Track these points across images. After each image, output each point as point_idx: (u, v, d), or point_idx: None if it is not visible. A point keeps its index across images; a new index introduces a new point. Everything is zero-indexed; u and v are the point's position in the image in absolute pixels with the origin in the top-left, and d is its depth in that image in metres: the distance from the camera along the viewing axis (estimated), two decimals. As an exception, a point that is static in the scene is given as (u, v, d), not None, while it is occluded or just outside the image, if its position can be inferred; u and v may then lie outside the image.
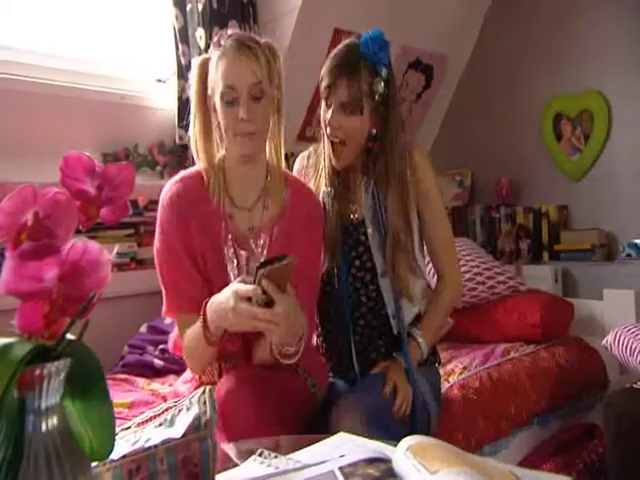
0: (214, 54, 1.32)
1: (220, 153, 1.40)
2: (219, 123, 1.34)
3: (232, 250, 1.36)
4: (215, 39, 1.34)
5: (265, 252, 1.37)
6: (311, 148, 1.64)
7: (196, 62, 1.37)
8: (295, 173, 1.64)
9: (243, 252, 1.37)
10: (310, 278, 1.43)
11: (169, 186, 1.38)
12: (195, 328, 1.25)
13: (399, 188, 1.49)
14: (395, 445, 0.71)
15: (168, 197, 1.36)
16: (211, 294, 1.24)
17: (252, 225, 1.38)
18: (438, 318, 1.56)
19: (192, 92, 1.37)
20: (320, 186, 1.55)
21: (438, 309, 1.56)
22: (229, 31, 1.35)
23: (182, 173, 1.41)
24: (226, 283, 1.23)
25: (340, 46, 1.49)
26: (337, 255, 1.51)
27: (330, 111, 1.46)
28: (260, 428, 1.10)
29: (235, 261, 1.36)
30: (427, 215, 1.55)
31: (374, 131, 1.49)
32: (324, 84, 1.47)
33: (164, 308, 1.36)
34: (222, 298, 1.17)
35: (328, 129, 1.48)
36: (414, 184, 1.52)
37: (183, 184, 1.37)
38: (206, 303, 1.22)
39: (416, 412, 1.41)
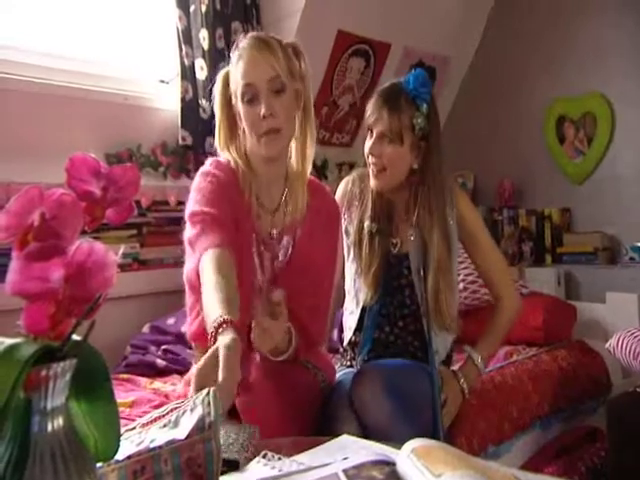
0: (233, 58, 1.31)
1: (243, 150, 1.37)
2: (244, 130, 1.31)
3: (256, 250, 1.35)
4: (234, 44, 1.32)
5: (288, 255, 1.36)
6: (354, 174, 1.68)
7: (219, 75, 1.36)
8: (338, 198, 1.65)
9: (267, 253, 1.36)
10: (327, 277, 1.42)
11: (207, 167, 1.32)
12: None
13: (442, 225, 1.53)
14: (399, 447, 0.72)
15: (209, 170, 1.30)
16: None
17: (275, 227, 1.37)
18: (497, 339, 1.63)
19: (216, 104, 1.36)
20: (364, 217, 1.59)
21: (497, 330, 1.62)
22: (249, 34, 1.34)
23: (214, 160, 1.35)
24: (250, 282, 1.21)
25: (386, 84, 1.59)
26: (381, 285, 1.55)
27: (371, 140, 1.53)
28: (278, 423, 1.11)
29: (257, 260, 1.34)
30: (478, 251, 1.61)
31: (415, 165, 1.53)
32: (367, 115, 1.55)
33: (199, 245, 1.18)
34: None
35: (369, 157, 1.55)
36: (458, 220, 1.57)
37: (221, 171, 1.31)
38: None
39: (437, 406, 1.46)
